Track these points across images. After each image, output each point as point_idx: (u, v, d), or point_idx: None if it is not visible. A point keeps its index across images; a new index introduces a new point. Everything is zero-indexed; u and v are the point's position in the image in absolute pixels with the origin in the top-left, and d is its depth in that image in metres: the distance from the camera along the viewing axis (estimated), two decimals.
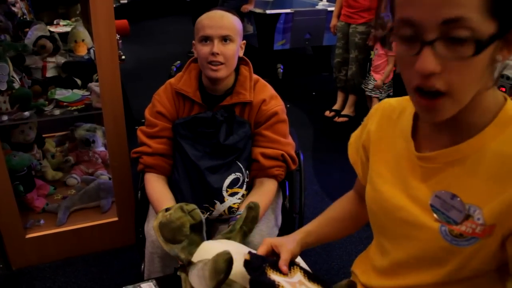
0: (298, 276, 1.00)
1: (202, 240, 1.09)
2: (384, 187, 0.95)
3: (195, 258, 1.05)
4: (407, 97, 0.94)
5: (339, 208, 1.24)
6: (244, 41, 1.66)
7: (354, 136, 1.14)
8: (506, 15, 0.69)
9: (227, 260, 0.86)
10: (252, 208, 1.24)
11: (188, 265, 1.05)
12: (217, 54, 1.53)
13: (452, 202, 0.81)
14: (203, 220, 1.12)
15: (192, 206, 1.11)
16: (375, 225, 1.03)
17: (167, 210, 1.11)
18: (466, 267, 0.82)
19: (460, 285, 0.86)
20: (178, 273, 1.10)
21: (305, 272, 1.03)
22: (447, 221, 0.82)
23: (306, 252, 1.17)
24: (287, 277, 0.97)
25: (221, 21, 1.54)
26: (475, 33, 0.67)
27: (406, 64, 0.74)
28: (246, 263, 0.94)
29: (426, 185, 0.86)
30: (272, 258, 1.04)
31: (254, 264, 0.95)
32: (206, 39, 1.54)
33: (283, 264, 1.00)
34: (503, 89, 2.97)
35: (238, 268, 0.92)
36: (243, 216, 1.24)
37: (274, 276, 0.95)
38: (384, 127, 1.00)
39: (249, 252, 1.02)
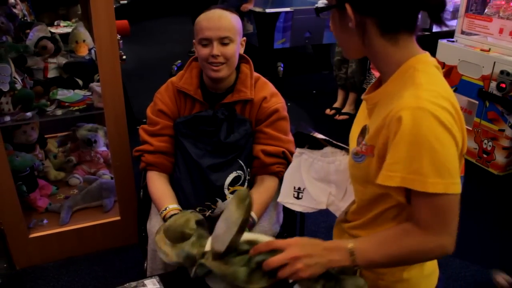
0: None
1: (208, 235, 1.09)
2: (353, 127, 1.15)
3: (208, 247, 1.05)
4: None
5: None
6: (244, 38, 1.67)
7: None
8: None
9: (246, 189, 0.94)
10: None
11: (202, 257, 1.04)
12: (217, 56, 1.54)
13: (363, 132, 1.03)
14: (204, 219, 1.13)
15: (190, 210, 1.13)
16: None
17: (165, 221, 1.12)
18: (368, 181, 1.00)
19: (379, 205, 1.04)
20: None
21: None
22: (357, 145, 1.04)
23: None
24: None
25: (219, 22, 1.55)
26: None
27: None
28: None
29: (368, 121, 1.05)
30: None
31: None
32: (205, 41, 1.55)
33: None
34: (503, 85, 2.97)
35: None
36: None
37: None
38: None
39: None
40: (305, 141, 1.23)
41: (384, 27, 0.95)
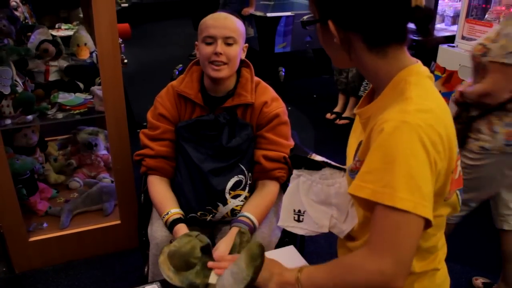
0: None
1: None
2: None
3: (212, 279, 1.04)
4: None
5: None
6: (247, 45, 1.67)
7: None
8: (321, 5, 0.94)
9: (260, 245, 0.92)
10: (244, 233, 1.24)
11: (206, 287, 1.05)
12: (220, 54, 1.54)
13: (357, 148, 1.01)
14: (210, 243, 1.12)
15: (195, 232, 1.12)
16: None
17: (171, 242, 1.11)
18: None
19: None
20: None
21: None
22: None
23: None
24: None
25: (225, 22, 1.56)
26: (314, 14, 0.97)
27: None
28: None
29: (363, 136, 1.02)
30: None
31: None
32: (210, 39, 1.55)
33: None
34: None
35: None
36: (236, 242, 1.23)
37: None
38: None
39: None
40: (302, 163, 1.19)
41: (370, 42, 0.92)
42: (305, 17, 0.99)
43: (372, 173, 0.86)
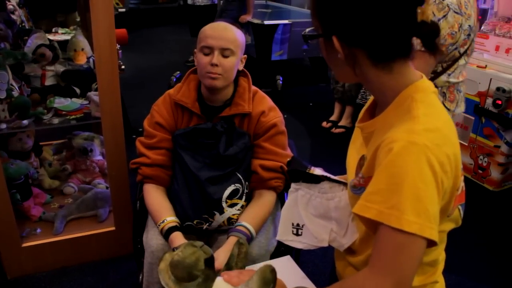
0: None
1: (215, 275, 1.08)
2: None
3: None
4: None
5: None
6: (245, 56, 1.66)
7: None
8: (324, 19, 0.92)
9: (273, 270, 0.91)
10: (243, 244, 1.23)
11: None
12: (216, 65, 1.54)
13: (361, 162, 1.01)
14: (213, 255, 1.11)
15: (200, 242, 1.11)
16: None
17: (174, 250, 1.10)
18: None
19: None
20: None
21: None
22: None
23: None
24: None
25: (224, 33, 1.56)
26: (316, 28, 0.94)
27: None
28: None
29: (365, 150, 1.02)
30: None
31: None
32: (207, 49, 1.55)
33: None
34: (499, 102, 2.99)
35: None
36: (234, 253, 1.21)
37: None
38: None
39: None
40: (300, 177, 1.16)
41: (375, 58, 0.91)
42: (307, 30, 0.97)
43: (379, 194, 0.85)
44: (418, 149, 0.83)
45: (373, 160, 0.92)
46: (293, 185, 1.19)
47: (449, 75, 2.00)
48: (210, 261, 1.07)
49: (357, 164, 1.02)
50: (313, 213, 1.14)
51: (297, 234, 1.15)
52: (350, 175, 1.06)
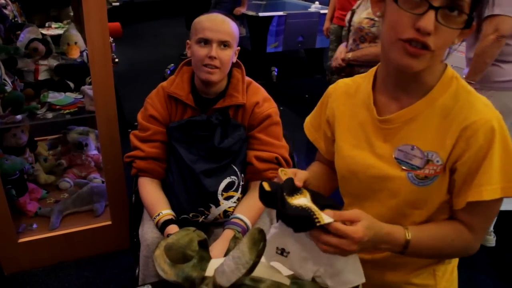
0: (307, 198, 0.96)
1: (210, 257, 1.08)
2: (353, 152, 1.08)
3: (209, 272, 1.02)
4: (359, 75, 1.14)
5: (317, 167, 1.33)
6: (239, 48, 1.66)
7: (310, 117, 1.33)
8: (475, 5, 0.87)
9: (261, 230, 0.91)
10: (239, 239, 1.22)
11: (201, 281, 1.02)
12: (214, 58, 1.53)
13: (413, 152, 0.98)
14: (207, 238, 1.11)
15: (193, 227, 1.11)
16: (348, 191, 1.15)
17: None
18: (433, 202, 0.99)
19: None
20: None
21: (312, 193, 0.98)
22: (412, 168, 0.98)
23: None
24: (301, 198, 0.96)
25: (222, 25, 1.55)
26: (468, 10, 0.85)
27: (403, 17, 0.86)
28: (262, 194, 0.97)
29: (389, 144, 1.02)
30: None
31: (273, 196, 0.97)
32: (205, 41, 1.54)
33: (297, 180, 1.00)
34: None
35: None
36: (231, 248, 1.17)
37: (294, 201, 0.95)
38: (345, 101, 1.14)
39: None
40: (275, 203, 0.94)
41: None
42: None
43: (498, 174, 0.91)
44: (502, 122, 0.92)
45: (453, 143, 0.93)
46: (274, 225, 1.00)
47: None
48: (203, 243, 1.07)
49: (411, 155, 0.98)
50: (299, 248, 0.97)
51: (282, 255, 0.98)
52: (376, 171, 1.03)
